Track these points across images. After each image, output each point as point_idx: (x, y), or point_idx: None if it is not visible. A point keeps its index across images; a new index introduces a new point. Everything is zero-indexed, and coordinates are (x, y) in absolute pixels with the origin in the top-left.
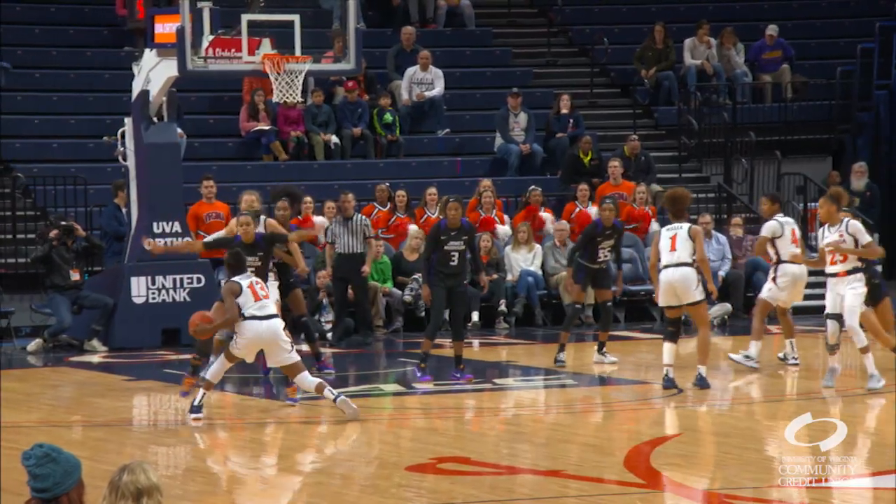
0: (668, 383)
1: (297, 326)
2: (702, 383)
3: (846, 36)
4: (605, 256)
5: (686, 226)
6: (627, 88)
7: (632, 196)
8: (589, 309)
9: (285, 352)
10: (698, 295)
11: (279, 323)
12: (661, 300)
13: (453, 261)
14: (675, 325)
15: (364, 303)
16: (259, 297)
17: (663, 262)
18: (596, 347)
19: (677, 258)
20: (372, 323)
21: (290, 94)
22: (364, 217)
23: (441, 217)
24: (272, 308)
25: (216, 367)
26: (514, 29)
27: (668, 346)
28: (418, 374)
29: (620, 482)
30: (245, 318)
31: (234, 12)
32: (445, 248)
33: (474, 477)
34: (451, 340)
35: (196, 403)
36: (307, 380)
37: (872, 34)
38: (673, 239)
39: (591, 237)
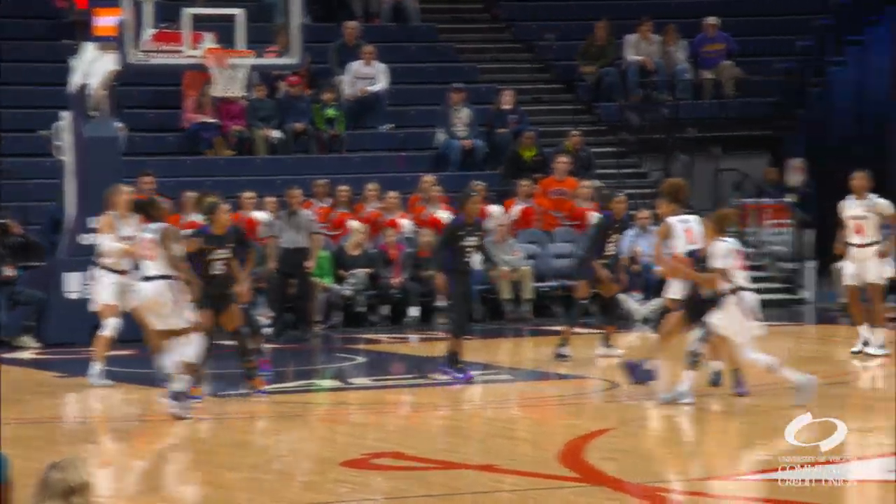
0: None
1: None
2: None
3: (784, 33)
4: (613, 250)
5: (693, 217)
6: (570, 84)
7: (574, 192)
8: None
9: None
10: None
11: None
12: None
13: (468, 257)
14: None
15: (306, 298)
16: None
17: (686, 250)
18: (601, 341)
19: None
20: (311, 318)
21: (232, 89)
22: (309, 212)
23: (459, 212)
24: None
25: None
26: (459, 24)
27: None
28: (460, 376)
29: (554, 476)
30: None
31: (176, 6)
32: (462, 243)
33: (408, 472)
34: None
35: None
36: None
37: (810, 32)
38: (688, 232)
39: (605, 231)
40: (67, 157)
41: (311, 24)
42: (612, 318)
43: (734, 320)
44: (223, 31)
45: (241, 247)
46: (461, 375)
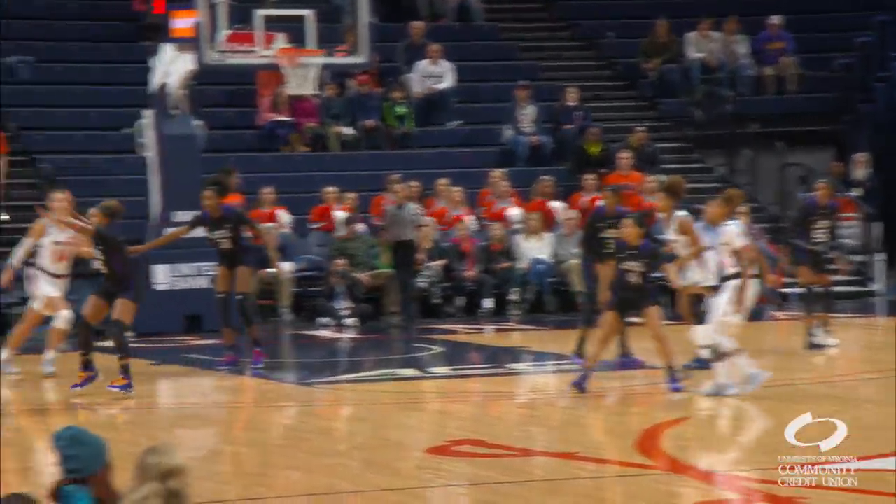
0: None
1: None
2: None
3: (845, 29)
4: (821, 238)
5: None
6: (632, 81)
7: (639, 186)
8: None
9: None
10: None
11: None
12: None
13: (609, 248)
14: None
15: (409, 290)
16: None
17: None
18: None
19: None
20: (404, 310)
21: (304, 87)
22: (415, 206)
23: (599, 204)
24: None
25: None
26: (521, 24)
27: None
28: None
29: (632, 464)
30: None
31: (249, 8)
32: (601, 235)
33: (490, 459)
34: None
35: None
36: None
37: (869, 28)
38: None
39: (808, 216)
40: (150, 154)
41: (378, 23)
42: (827, 305)
43: (730, 304)
44: (295, 31)
45: (242, 225)
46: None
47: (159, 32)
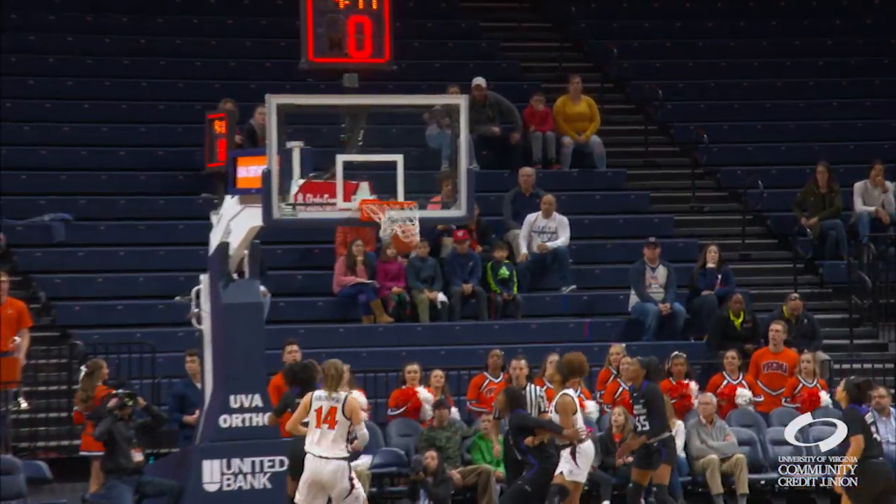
0: None
1: None
2: None
3: None
4: None
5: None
6: (786, 239)
7: (796, 367)
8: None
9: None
10: None
11: None
12: None
13: None
14: None
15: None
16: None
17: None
18: None
19: None
20: None
21: (389, 246)
22: (539, 388)
23: None
24: None
25: None
26: (653, 170)
27: None
28: None
29: None
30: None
31: (328, 153)
32: None
33: None
34: None
35: None
36: None
37: None
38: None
39: None
40: (205, 326)
41: (481, 171)
42: None
43: None
44: (380, 179)
45: None
46: None
47: (222, 183)
